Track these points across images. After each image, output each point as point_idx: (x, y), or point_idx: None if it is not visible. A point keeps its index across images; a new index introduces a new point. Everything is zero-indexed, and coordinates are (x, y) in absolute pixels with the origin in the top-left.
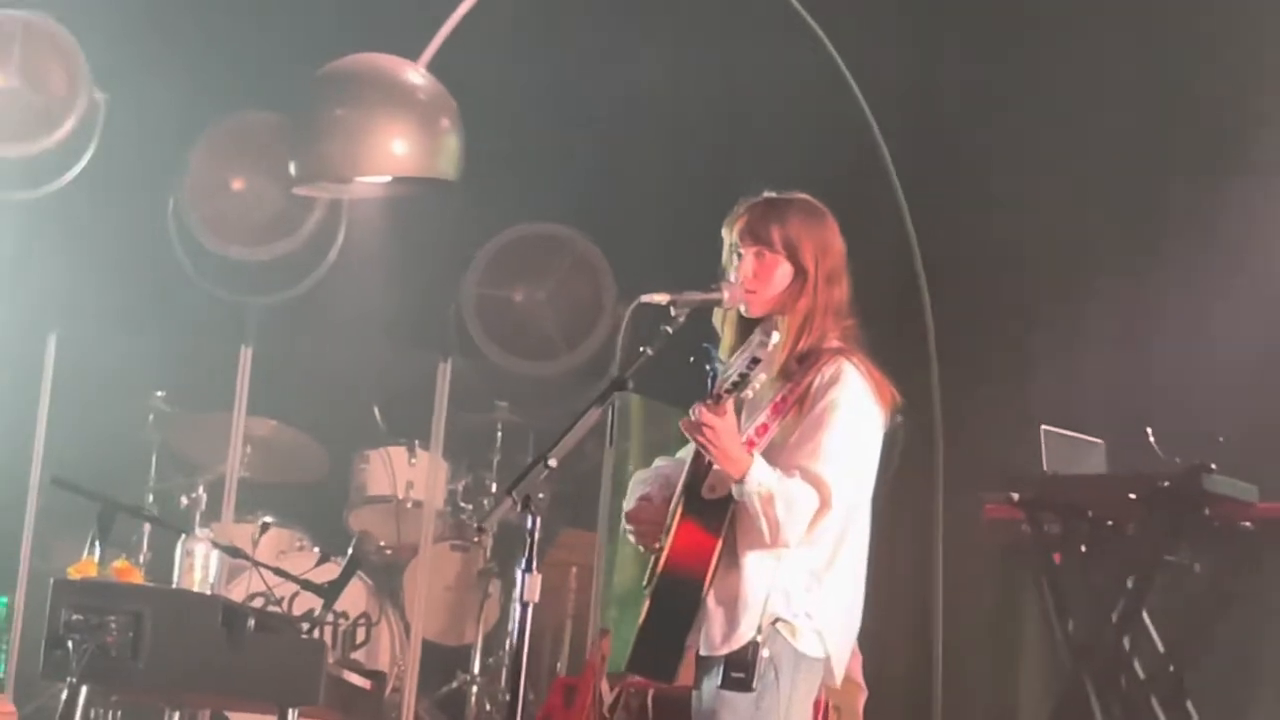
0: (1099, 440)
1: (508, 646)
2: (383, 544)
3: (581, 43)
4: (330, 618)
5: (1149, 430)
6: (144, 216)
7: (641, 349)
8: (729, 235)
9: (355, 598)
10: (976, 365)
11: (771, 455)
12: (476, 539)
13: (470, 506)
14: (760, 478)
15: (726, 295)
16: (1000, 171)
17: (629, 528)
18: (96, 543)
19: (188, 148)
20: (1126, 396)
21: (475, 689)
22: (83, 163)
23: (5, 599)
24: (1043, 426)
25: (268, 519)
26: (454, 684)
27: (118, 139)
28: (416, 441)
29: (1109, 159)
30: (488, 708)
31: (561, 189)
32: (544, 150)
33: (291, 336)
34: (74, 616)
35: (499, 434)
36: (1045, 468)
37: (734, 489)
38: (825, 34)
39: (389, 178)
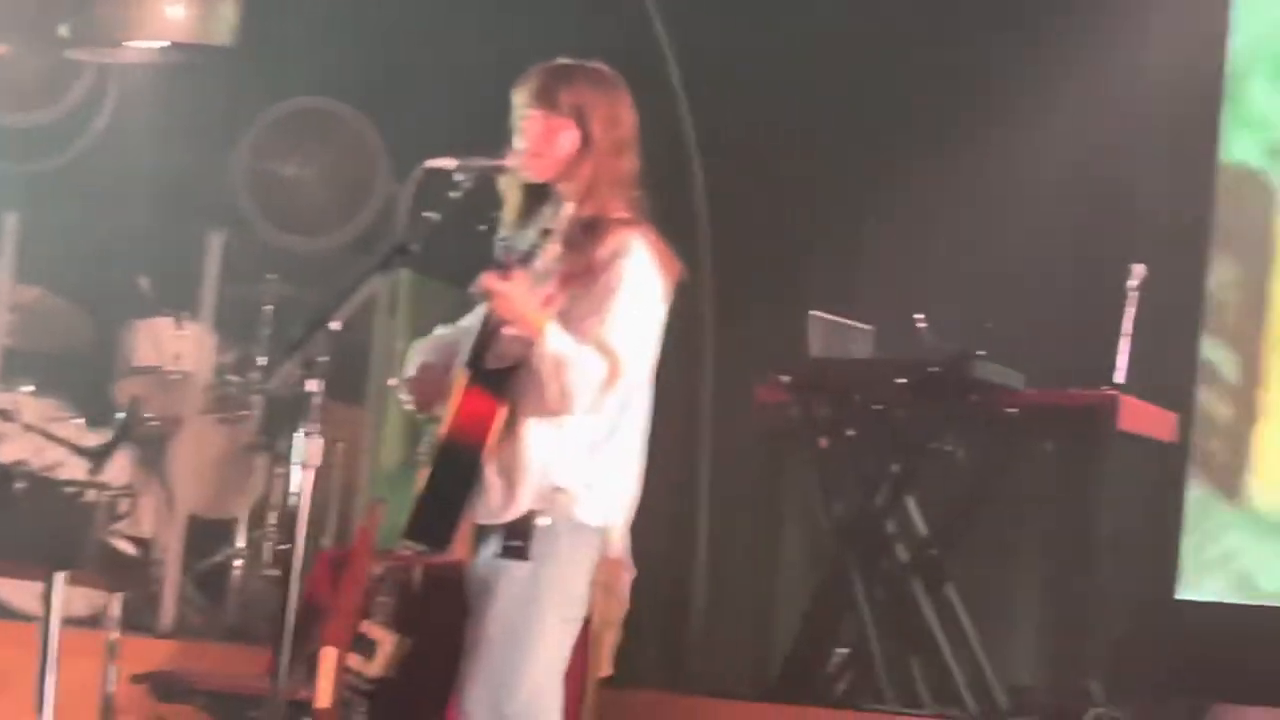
0: (868, 326)
1: (273, 520)
2: (148, 416)
3: None
4: (93, 489)
5: (918, 316)
6: None
7: (426, 214)
8: (518, 98)
9: (119, 469)
10: (748, 249)
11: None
12: (244, 413)
13: (238, 379)
14: (555, 343)
15: (512, 161)
16: (778, 52)
17: (407, 396)
18: None
19: None
20: (898, 284)
21: (239, 563)
22: None
23: None
24: (810, 312)
25: (28, 387)
26: (218, 558)
27: None
28: (185, 312)
29: (888, 44)
30: (252, 582)
31: (337, 64)
32: (319, 24)
33: (59, 204)
34: None
35: (269, 308)
36: (811, 353)
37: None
38: None
39: (163, 43)
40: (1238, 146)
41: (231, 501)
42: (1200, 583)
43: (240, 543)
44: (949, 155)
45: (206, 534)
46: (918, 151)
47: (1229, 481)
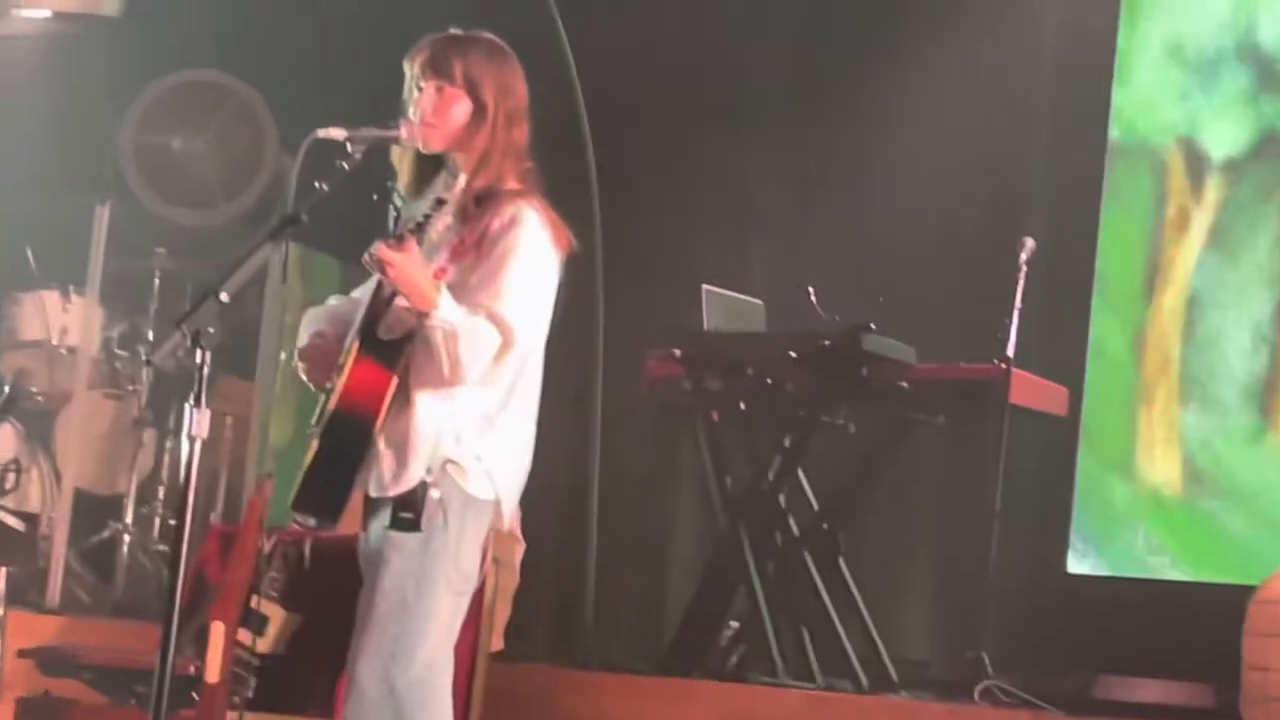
0: (759, 301)
1: (162, 495)
2: (35, 390)
3: None
4: None
5: (810, 289)
6: None
7: (316, 184)
8: (410, 69)
9: (5, 443)
10: (640, 223)
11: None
12: (133, 387)
13: (126, 354)
14: (447, 314)
15: (404, 132)
16: (669, 24)
17: (301, 365)
18: None
19: None
20: (789, 257)
21: (127, 539)
22: None
23: None
24: (703, 286)
25: None
26: (105, 533)
27: None
28: (71, 286)
29: (780, 18)
30: (140, 558)
31: (224, 35)
32: None
33: None
34: None
35: (157, 281)
36: (705, 327)
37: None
38: None
39: (48, 12)
40: (1128, 123)
41: (119, 476)
42: (1091, 556)
43: (128, 518)
44: (841, 129)
45: (94, 509)
46: (810, 125)
47: (1119, 456)
